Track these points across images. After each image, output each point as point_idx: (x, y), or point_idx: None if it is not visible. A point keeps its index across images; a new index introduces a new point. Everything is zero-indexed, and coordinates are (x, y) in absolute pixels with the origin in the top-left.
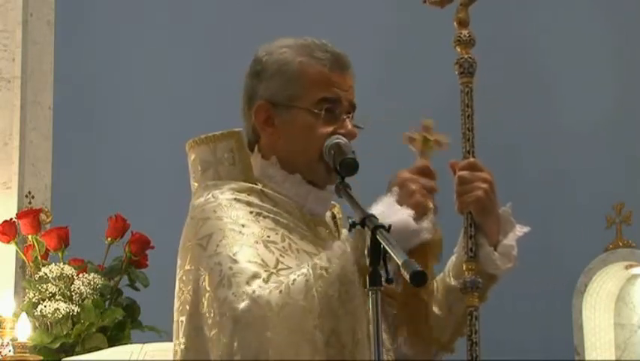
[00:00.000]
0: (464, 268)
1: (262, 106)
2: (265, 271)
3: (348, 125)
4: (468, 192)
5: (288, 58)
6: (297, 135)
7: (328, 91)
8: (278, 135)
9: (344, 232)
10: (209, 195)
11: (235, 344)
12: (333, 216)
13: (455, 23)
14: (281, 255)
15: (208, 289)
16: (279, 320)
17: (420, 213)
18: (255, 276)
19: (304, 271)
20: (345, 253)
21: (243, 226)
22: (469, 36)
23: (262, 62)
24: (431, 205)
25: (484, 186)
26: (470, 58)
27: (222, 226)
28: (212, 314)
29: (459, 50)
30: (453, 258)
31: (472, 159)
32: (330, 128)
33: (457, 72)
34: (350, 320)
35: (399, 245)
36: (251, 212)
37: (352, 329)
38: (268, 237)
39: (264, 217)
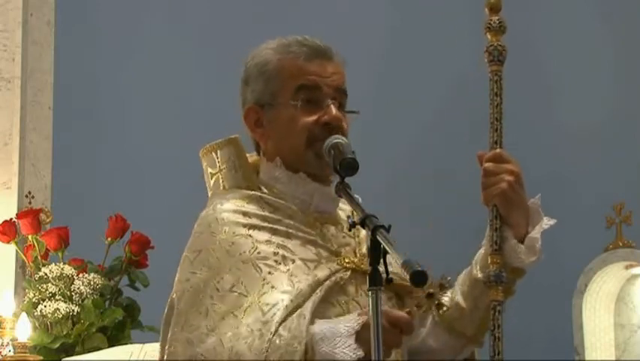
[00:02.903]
0: (489, 261)
1: (250, 109)
2: (245, 308)
3: (333, 110)
4: (493, 185)
5: (268, 58)
6: (282, 130)
7: (304, 79)
8: (267, 135)
9: (362, 232)
10: (210, 208)
11: None
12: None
13: (486, 9)
14: (269, 272)
15: (184, 307)
16: None
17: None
18: (231, 311)
19: (270, 332)
20: (301, 334)
21: (232, 243)
22: (500, 22)
23: (247, 68)
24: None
25: (509, 178)
26: (500, 45)
27: (213, 242)
28: (177, 331)
29: (489, 36)
30: (481, 250)
31: (498, 150)
32: (313, 117)
33: (486, 60)
34: None
35: None
36: (245, 225)
37: None
38: (258, 253)
39: (259, 229)
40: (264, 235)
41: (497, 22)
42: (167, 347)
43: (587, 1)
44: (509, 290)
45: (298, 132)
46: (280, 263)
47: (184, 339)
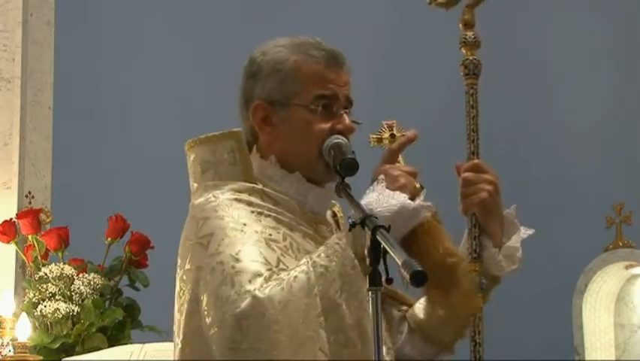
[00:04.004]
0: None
1: (259, 106)
2: (267, 269)
3: (346, 120)
4: (472, 194)
5: (283, 57)
6: (295, 133)
7: (324, 88)
8: (276, 134)
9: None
10: (210, 195)
11: (242, 342)
12: (334, 215)
13: (460, 25)
14: (282, 254)
15: (209, 288)
16: (282, 318)
17: (411, 194)
18: (257, 274)
19: (304, 268)
20: (344, 251)
21: (244, 224)
22: (475, 38)
23: (257, 63)
24: (418, 185)
25: (489, 187)
26: (475, 59)
27: (224, 225)
28: (212, 313)
29: (464, 51)
30: None
31: (476, 161)
32: (327, 125)
33: (462, 73)
34: (355, 316)
35: (402, 226)
36: (252, 211)
37: (358, 325)
38: (270, 235)
39: (266, 216)
40: (271, 222)
41: (472, 37)
42: (210, 332)
43: (587, 1)
44: (486, 297)
45: (313, 137)
46: (289, 249)
47: (220, 317)
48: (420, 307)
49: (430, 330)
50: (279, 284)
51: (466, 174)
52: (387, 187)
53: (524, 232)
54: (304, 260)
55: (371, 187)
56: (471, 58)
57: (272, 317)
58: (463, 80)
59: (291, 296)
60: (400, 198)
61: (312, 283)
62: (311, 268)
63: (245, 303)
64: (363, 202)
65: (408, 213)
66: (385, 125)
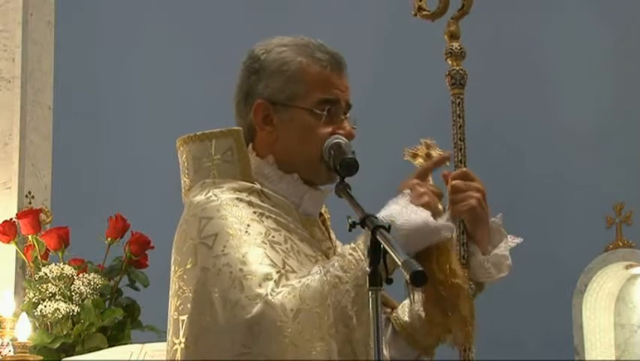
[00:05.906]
0: None
1: (261, 105)
2: (276, 271)
3: (347, 125)
4: (461, 201)
5: (288, 57)
6: (297, 135)
7: (329, 92)
8: (277, 135)
9: (332, 232)
10: (210, 194)
11: (252, 347)
12: (320, 215)
13: (446, 36)
14: (286, 256)
15: (217, 290)
16: (294, 326)
17: (433, 213)
18: (267, 278)
19: (317, 277)
20: (359, 263)
21: (248, 225)
22: (460, 49)
23: (260, 60)
24: (441, 206)
25: (477, 195)
26: (461, 70)
27: (228, 225)
28: (221, 316)
29: (450, 62)
30: None
31: (464, 169)
32: (329, 129)
33: (448, 84)
34: (364, 329)
35: (421, 242)
36: (254, 212)
37: (366, 339)
38: (273, 237)
39: (267, 217)
40: (272, 224)
41: (458, 47)
42: (218, 335)
43: (587, 1)
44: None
45: (316, 141)
46: (290, 252)
47: (231, 320)
48: (404, 309)
49: (414, 333)
50: (291, 292)
51: (455, 182)
52: (411, 202)
53: (512, 241)
54: (316, 268)
55: (394, 199)
56: (457, 68)
57: (283, 325)
58: (449, 90)
59: (302, 305)
60: (423, 215)
61: (325, 292)
62: (324, 278)
63: (256, 308)
64: (383, 213)
65: (429, 230)
66: (424, 143)
